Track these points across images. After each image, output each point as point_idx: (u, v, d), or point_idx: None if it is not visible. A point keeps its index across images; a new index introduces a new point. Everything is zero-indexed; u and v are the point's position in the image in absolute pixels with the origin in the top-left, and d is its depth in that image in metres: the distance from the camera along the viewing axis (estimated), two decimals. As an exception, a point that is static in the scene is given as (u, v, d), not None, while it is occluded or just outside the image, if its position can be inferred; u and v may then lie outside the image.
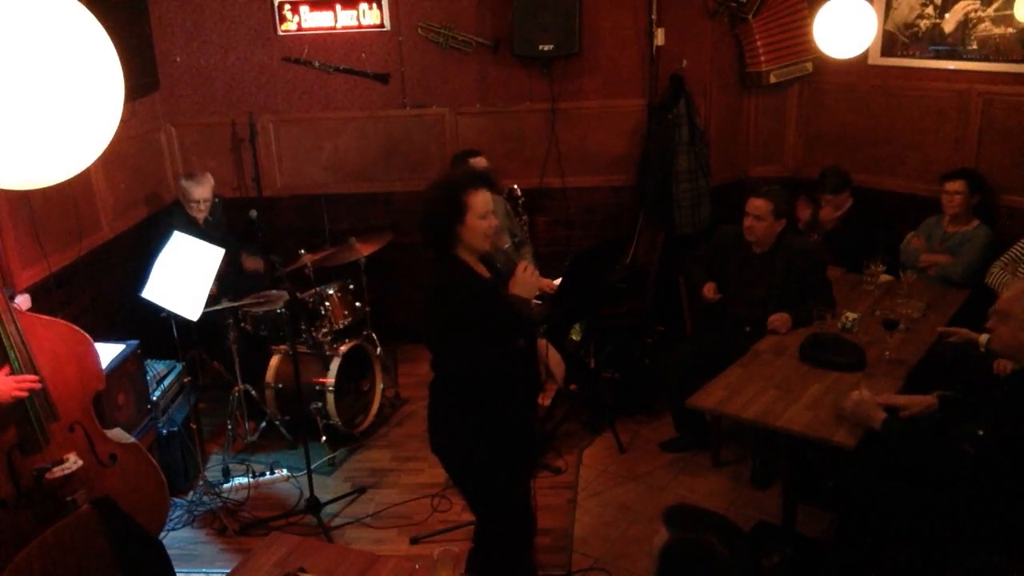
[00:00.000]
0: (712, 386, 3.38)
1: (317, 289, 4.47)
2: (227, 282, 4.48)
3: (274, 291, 4.54)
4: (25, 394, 2.66)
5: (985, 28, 4.61)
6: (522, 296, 2.54)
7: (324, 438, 4.32)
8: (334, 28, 5.14)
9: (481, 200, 2.57)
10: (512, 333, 2.62)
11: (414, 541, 3.61)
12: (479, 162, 4.47)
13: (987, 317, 2.86)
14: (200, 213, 4.65)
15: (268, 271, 4.76)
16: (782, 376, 3.43)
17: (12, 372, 2.67)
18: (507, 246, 2.58)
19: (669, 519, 1.72)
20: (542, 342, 2.75)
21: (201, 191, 4.61)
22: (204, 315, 3.80)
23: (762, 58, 5.13)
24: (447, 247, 2.61)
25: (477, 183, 2.59)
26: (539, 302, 4.20)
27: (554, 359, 2.79)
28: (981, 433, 2.69)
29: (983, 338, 3.55)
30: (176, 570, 2.80)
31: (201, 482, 3.99)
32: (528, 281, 2.56)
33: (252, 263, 4.83)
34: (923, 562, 3.09)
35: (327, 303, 4.44)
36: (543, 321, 2.69)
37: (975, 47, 4.66)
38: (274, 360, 4.40)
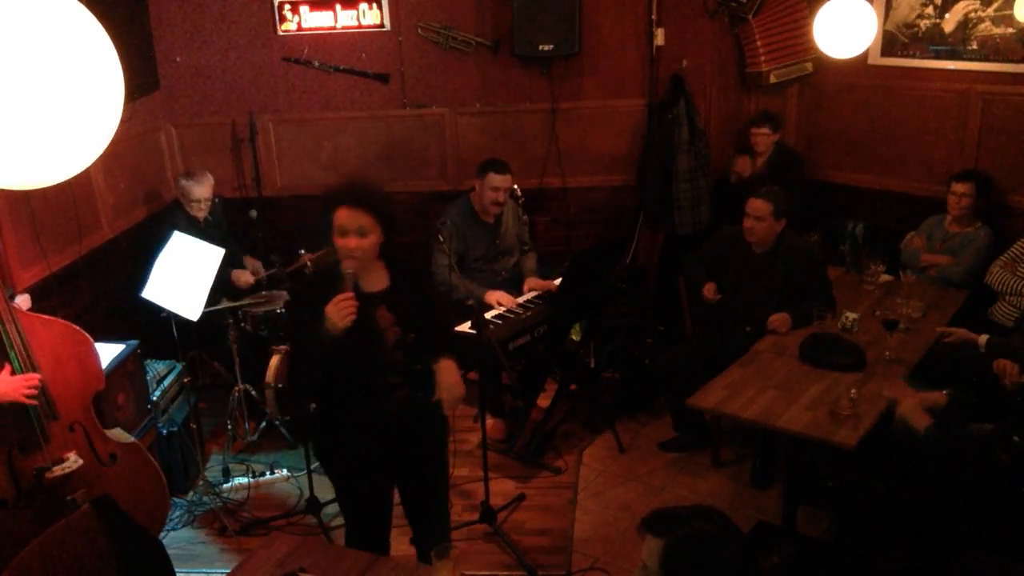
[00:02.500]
0: (712, 386, 3.38)
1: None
2: (220, 287, 4.47)
3: (274, 291, 4.54)
4: (33, 402, 2.66)
5: (985, 28, 4.61)
6: (329, 330, 2.45)
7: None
8: (334, 28, 5.14)
9: (340, 216, 2.51)
10: (304, 361, 2.64)
11: (414, 541, 3.60)
12: (500, 183, 4.35)
13: (987, 317, 2.86)
14: (200, 212, 4.65)
15: (258, 282, 4.70)
16: (782, 376, 3.43)
17: (13, 372, 2.67)
18: (348, 272, 2.53)
19: (652, 526, 1.70)
20: (447, 362, 2.69)
21: (201, 190, 4.60)
22: (204, 315, 3.80)
23: (762, 58, 5.13)
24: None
25: (343, 199, 2.54)
26: (528, 308, 4.21)
27: (449, 380, 2.68)
28: (1017, 439, 2.67)
29: (983, 338, 3.56)
30: (176, 570, 2.80)
31: (201, 482, 3.99)
32: (330, 316, 2.44)
33: (243, 278, 4.72)
34: (923, 562, 3.09)
35: (327, 303, 4.43)
36: (392, 347, 2.61)
37: (975, 47, 4.66)
38: (274, 360, 4.40)
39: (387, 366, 2.65)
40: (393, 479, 2.90)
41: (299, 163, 5.40)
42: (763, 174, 4.92)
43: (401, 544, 3.44)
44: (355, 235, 2.50)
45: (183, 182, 4.64)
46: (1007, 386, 3.15)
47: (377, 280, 2.64)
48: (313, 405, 3.73)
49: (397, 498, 2.97)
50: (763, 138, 5.00)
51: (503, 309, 4.16)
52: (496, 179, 4.34)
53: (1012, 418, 2.82)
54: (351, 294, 2.47)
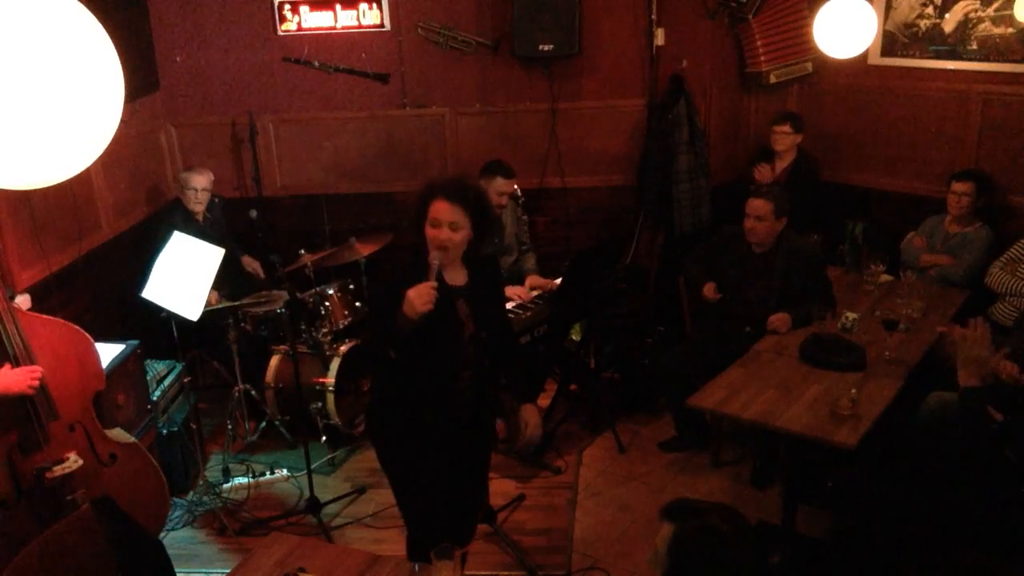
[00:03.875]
0: (712, 386, 3.38)
1: (317, 289, 4.47)
2: (226, 282, 4.48)
3: (274, 291, 4.54)
4: (34, 391, 2.66)
5: (985, 28, 4.61)
6: (407, 313, 2.46)
7: (324, 438, 4.32)
8: (334, 28, 5.14)
9: (436, 207, 2.55)
10: (379, 340, 2.64)
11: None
12: (505, 187, 4.37)
13: (987, 317, 2.87)
14: (199, 205, 4.66)
15: (267, 272, 4.78)
16: (782, 376, 3.43)
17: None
18: (434, 262, 2.57)
19: (669, 512, 1.73)
20: (531, 406, 2.80)
21: (200, 179, 4.65)
22: (204, 315, 3.80)
23: (762, 58, 5.13)
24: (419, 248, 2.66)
25: (441, 192, 2.57)
26: (528, 308, 4.22)
27: (533, 421, 2.81)
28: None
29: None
30: (176, 570, 2.80)
31: (201, 482, 3.99)
32: (411, 300, 2.45)
33: (251, 265, 4.86)
34: (923, 562, 3.09)
35: (327, 303, 4.44)
36: (467, 340, 2.69)
37: (975, 47, 4.66)
38: (274, 360, 4.40)
39: (461, 358, 2.71)
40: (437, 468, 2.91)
41: (299, 163, 5.40)
42: (781, 181, 4.87)
43: (401, 544, 3.45)
44: (448, 228, 2.54)
45: (182, 174, 4.71)
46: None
47: (458, 275, 2.69)
48: (318, 404, 3.73)
49: (394, 498, 2.98)
50: (783, 137, 4.92)
51: (517, 302, 4.23)
52: (503, 184, 4.36)
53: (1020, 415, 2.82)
54: (434, 283, 2.50)
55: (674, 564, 1.67)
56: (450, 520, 2.97)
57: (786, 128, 4.90)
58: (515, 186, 4.44)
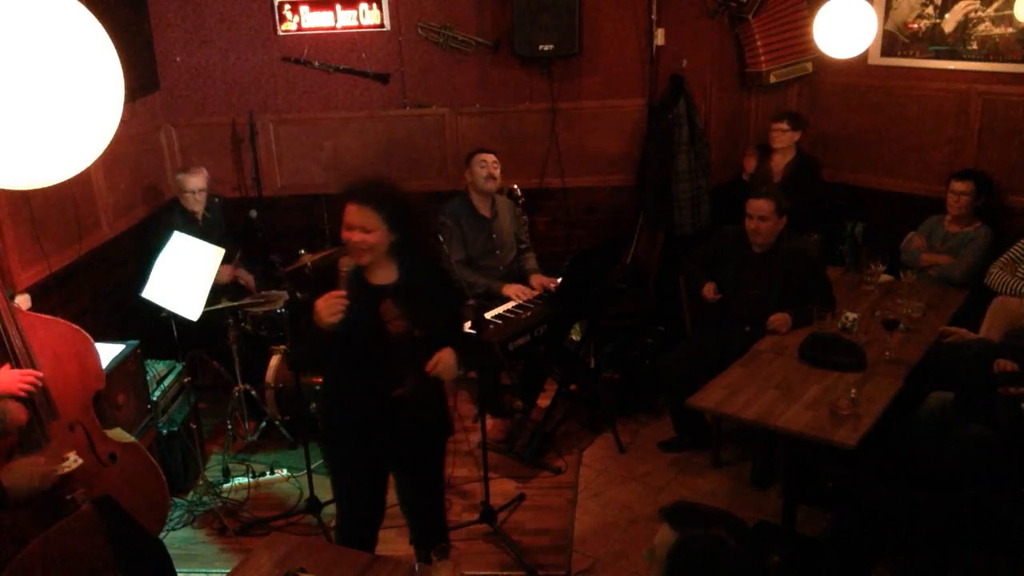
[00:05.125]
0: (712, 386, 3.38)
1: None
2: (221, 287, 4.49)
3: (274, 291, 4.54)
4: (25, 393, 2.66)
5: (985, 28, 4.61)
6: (316, 323, 2.48)
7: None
8: (334, 28, 5.14)
9: (346, 211, 2.56)
10: (302, 337, 2.65)
11: (413, 541, 3.61)
12: (486, 158, 4.47)
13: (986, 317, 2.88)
14: (197, 206, 4.66)
15: (264, 277, 4.75)
16: (782, 376, 3.43)
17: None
18: (343, 269, 2.60)
19: (671, 517, 1.70)
20: (447, 348, 2.70)
21: (195, 180, 4.64)
22: (204, 315, 3.80)
23: (762, 58, 5.13)
24: None
25: (349, 196, 2.58)
26: (528, 308, 4.22)
27: (444, 357, 2.72)
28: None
29: (983, 338, 3.56)
30: (176, 570, 2.80)
31: (201, 482, 3.99)
32: (318, 311, 2.46)
33: (244, 278, 4.80)
34: (923, 562, 3.09)
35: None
36: (395, 340, 2.68)
37: (975, 47, 4.66)
38: (274, 360, 4.40)
39: (394, 358, 2.67)
40: (389, 472, 2.93)
41: (299, 163, 5.40)
42: (781, 180, 4.86)
43: (401, 544, 3.45)
44: (358, 231, 2.54)
45: (177, 176, 4.70)
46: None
47: (385, 274, 2.67)
48: (313, 405, 3.74)
49: (394, 498, 2.98)
50: (780, 134, 4.89)
51: (520, 301, 4.24)
52: (483, 156, 4.48)
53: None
54: (342, 292, 2.50)
55: (672, 571, 1.65)
56: (413, 523, 3.01)
57: (783, 125, 4.89)
58: (497, 159, 4.50)
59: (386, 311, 2.64)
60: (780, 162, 4.98)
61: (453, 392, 2.83)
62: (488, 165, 4.46)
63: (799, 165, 4.96)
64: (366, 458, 2.78)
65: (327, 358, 2.69)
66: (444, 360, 2.65)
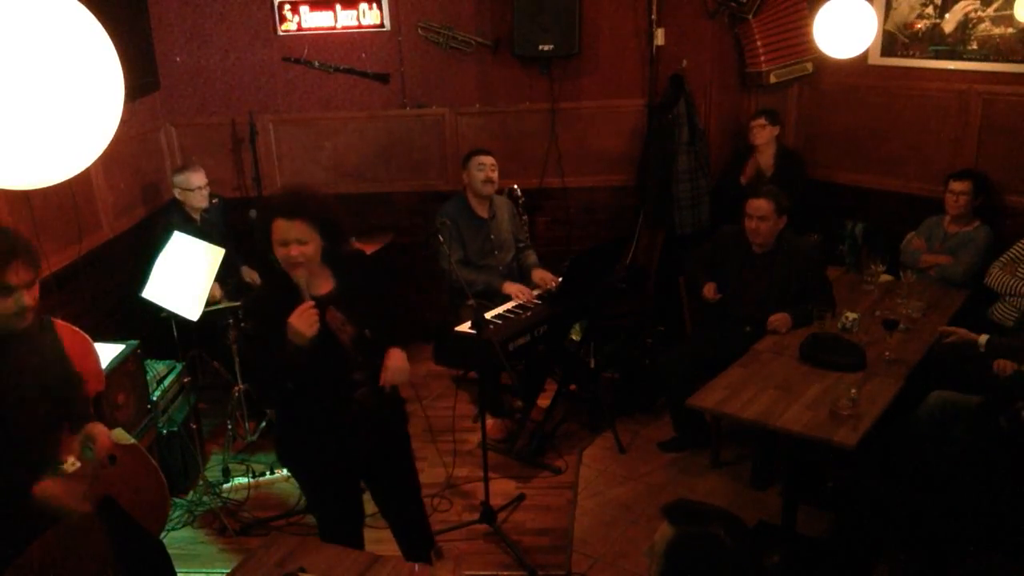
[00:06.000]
0: (712, 386, 3.38)
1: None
2: (226, 283, 4.49)
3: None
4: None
5: (985, 28, 4.61)
6: (294, 341, 2.45)
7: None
8: (334, 28, 5.14)
9: (276, 228, 2.52)
10: (273, 376, 2.59)
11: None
12: (484, 160, 4.48)
13: (987, 317, 2.88)
14: (202, 202, 4.63)
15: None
16: (782, 376, 3.43)
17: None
18: (300, 279, 2.58)
19: (671, 514, 1.71)
20: (393, 349, 2.72)
21: (198, 177, 4.61)
22: (204, 315, 3.80)
23: (762, 58, 5.13)
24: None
25: (276, 212, 2.54)
26: (528, 308, 4.22)
27: (393, 363, 2.72)
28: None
29: (983, 338, 3.56)
30: (176, 570, 2.80)
31: (201, 482, 3.99)
32: (296, 328, 2.44)
33: (251, 275, 4.84)
34: (923, 562, 3.09)
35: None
36: (349, 345, 2.64)
37: (975, 47, 4.66)
38: (274, 360, 4.39)
39: (347, 365, 2.66)
40: (359, 479, 2.92)
41: (299, 163, 5.40)
42: (768, 178, 4.91)
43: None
44: (295, 244, 2.51)
45: (178, 176, 4.63)
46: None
47: (323, 283, 2.66)
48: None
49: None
50: (759, 130, 4.96)
51: (521, 300, 4.24)
52: (481, 158, 4.48)
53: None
54: (311, 303, 2.48)
55: (669, 567, 1.66)
56: (398, 536, 2.98)
57: (762, 121, 4.96)
58: (495, 161, 4.50)
59: (332, 319, 2.61)
60: (763, 160, 5.02)
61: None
62: (486, 168, 4.46)
63: (784, 159, 5.00)
64: (334, 469, 2.76)
65: (293, 372, 2.60)
66: (394, 367, 2.66)
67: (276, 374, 2.57)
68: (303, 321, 2.44)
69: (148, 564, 2.68)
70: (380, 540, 3.63)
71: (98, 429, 2.51)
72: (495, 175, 4.49)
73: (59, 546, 2.32)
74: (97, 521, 2.45)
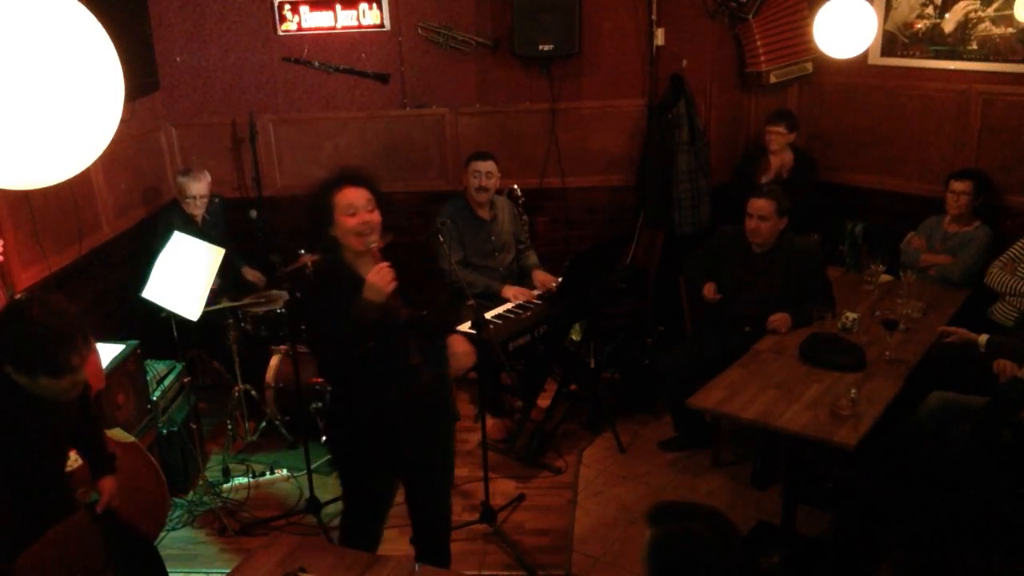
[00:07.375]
0: (712, 386, 3.38)
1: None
2: (225, 287, 4.49)
3: (274, 291, 4.54)
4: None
5: (985, 28, 4.61)
6: (370, 299, 2.46)
7: (324, 438, 4.31)
8: (334, 28, 5.14)
9: (344, 196, 2.56)
10: (349, 335, 2.55)
11: (414, 541, 3.61)
12: (480, 167, 4.46)
13: (987, 317, 2.88)
14: (197, 210, 4.65)
15: (268, 282, 4.77)
16: (782, 376, 3.43)
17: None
18: (372, 245, 2.59)
19: (652, 518, 1.71)
20: (455, 335, 2.77)
21: (198, 187, 4.61)
22: (204, 315, 3.80)
23: (762, 58, 5.13)
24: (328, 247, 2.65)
25: (343, 181, 2.59)
26: (528, 308, 4.22)
27: (461, 348, 2.75)
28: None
29: (983, 338, 3.56)
30: (176, 570, 2.80)
31: (201, 482, 3.99)
32: (375, 284, 2.46)
33: (252, 275, 4.85)
34: (923, 562, 3.09)
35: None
36: (406, 325, 2.63)
37: (975, 47, 4.66)
38: (274, 360, 4.40)
39: (405, 343, 2.67)
40: (398, 474, 2.91)
41: (299, 163, 5.40)
42: (784, 180, 4.86)
43: (401, 544, 3.45)
44: (364, 211, 2.56)
45: (179, 179, 4.66)
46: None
47: (373, 265, 2.66)
48: (318, 404, 3.72)
49: (399, 498, 2.98)
50: (777, 136, 4.89)
51: (520, 301, 4.23)
52: (477, 164, 4.47)
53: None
54: (387, 263, 2.50)
55: (653, 568, 1.66)
56: (416, 526, 3.00)
57: (781, 128, 4.88)
58: (495, 168, 4.50)
59: (390, 299, 2.60)
60: (777, 164, 4.99)
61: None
62: (481, 176, 4.44)
63: (798, 164, 4.96)
64: (378, 456, 2.76)
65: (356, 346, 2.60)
66: (463, 351, 2.71)
67: (356, 330, 2.53)
68: (382, 277, 2.45)
69: (142, 568, 2.68)
70: (383, 540, 3.64)
71: (106, 485, 2.60)
72: (490, 183, 4.47)
73: (59, 546, 2.32)
74: (93, 525, 2.45)
